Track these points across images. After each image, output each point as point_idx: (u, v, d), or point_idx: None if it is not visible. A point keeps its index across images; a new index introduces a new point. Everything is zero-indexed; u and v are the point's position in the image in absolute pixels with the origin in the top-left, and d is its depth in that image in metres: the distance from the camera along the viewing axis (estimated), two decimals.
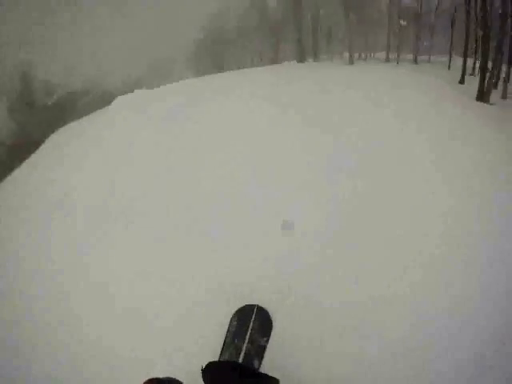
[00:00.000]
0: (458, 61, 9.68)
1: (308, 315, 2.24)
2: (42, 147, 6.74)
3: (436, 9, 11.18)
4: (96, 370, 2.02)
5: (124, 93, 8.31)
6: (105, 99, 8.86)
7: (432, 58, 11.59)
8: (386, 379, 1.92)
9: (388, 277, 2.50)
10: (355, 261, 2.63)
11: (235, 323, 1.93)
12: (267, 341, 1.89)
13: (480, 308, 2.27)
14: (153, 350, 2.10)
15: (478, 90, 6.44)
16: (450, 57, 10.19)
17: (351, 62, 12.46)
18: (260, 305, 2.02)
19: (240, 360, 1.82)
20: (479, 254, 2.71)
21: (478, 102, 6.30)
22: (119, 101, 7.70)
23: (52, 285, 2.61)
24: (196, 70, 13.72)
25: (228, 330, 1.90)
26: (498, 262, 2.61)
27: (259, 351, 1.88)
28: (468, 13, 8.68)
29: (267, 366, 1.95)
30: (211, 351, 2.00)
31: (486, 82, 6.44)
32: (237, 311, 1.96)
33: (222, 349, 1.89)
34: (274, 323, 2.16)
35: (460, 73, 8.36)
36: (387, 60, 12.20)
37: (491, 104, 6.19)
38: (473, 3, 8.57)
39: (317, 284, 2.44)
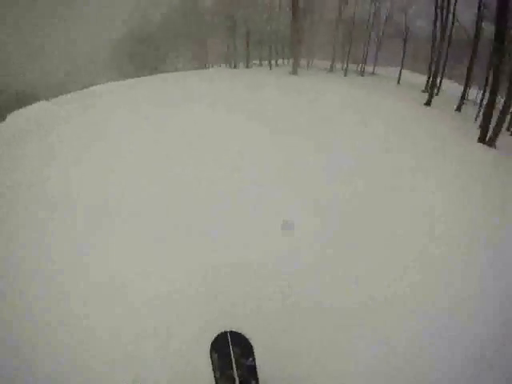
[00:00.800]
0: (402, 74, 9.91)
1: (308, 315, 2.24)
2: None
3: (386, 20, 10.93)
4: (96, 370, 2.02)
5: (42, 97, 8.06)
6: (20, 100, 8.26)
7: (376, 69, 11.31)
8: (386, 379, 1.93)
9: (388, 277, 2.51)
10: (355, 261, 2.64)
11: (216, 355, 1.88)
12: (253, 360, 1.88)
13: (480, 308, 2.27)
14: (153, 351, 2.10)
15: (482, 130, 5.40)
16: (401, 70, 10.04)
17: (295, 71, 10.37)
18: (234, 329, 1.95)
19: None
20: (479, 254, 2.71)
21: (481, 145, 5.27)
22: (15, 116, 7.15)
23: (52, 285, 2.61)
24: (120, 72, 12.16)
25: (213, 365, 1.85)
26: (498, 262, 2.62)
27: (251, 372, 1.87)
28: (443, 27, 7.88)
29: (266, 367, 1.95)
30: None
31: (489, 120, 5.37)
32: (212, 343, 1.90)
33: None
34: (272, 324, 2.16)
35: (411, 87, 8.19)
36: (331, 70, 11.20)
37: (496, 148, 5.15)
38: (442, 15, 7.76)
39: (317, 284, 2.45)
